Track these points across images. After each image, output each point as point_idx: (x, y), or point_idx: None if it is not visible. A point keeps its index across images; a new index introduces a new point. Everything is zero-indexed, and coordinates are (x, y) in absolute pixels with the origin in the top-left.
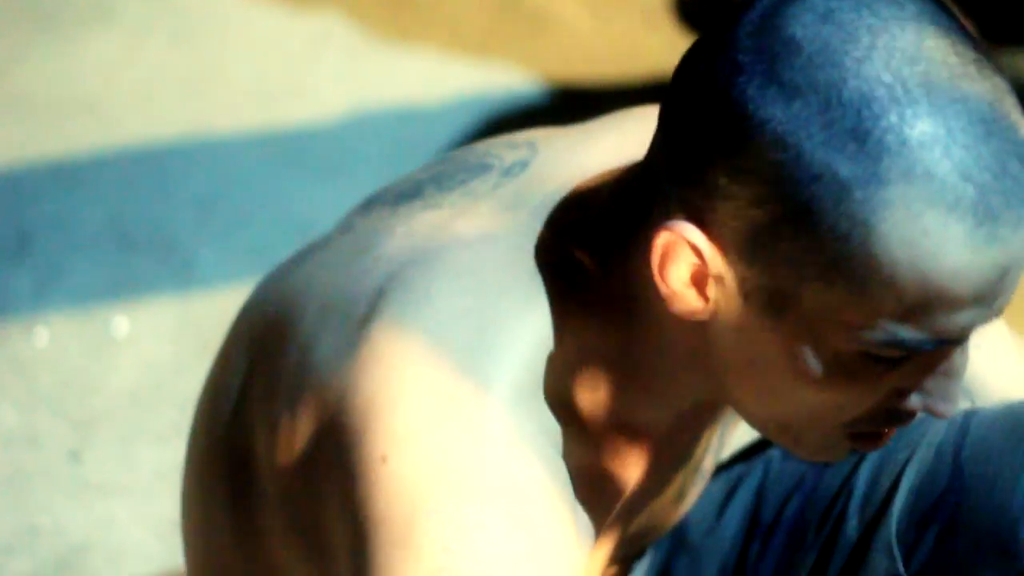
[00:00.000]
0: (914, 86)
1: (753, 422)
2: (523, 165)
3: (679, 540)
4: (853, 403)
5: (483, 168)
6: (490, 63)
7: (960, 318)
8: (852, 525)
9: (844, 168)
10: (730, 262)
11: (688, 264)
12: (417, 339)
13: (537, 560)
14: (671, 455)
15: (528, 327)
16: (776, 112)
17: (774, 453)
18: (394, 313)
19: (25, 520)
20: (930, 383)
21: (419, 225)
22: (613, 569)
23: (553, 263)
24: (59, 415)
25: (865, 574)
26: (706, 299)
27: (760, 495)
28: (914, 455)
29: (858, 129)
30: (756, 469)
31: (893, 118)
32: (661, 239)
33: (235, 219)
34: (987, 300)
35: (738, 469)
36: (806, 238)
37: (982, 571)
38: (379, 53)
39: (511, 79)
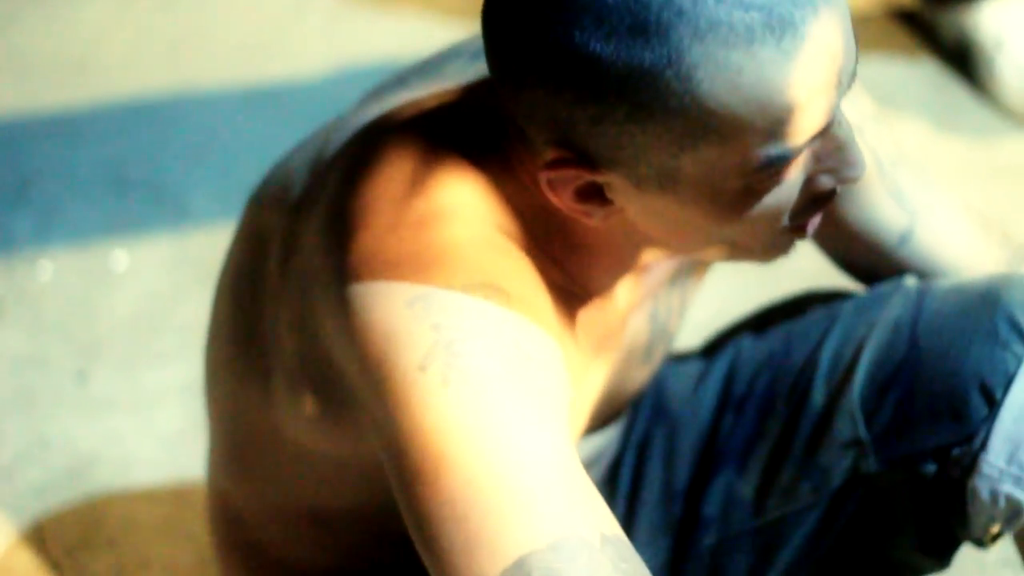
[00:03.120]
0: None
1: (704, 255)
2: None
3: (659, 412)
4: (777, 211)
5: (456, 54)
6: (466, 24)
7: (813, 112)
8: (818, 395)
9: (645, 58)
10: (606, 170)
11: (574, 186)
12: (381, 186)
13: (518, 323)
14: (632, 306)
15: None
16: (576, 38)
17: (745, 336)
18: (355, 168)
19: (36, 434)
20: (830, 162)
21: (395, 102)
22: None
23: (494, 153)
24: (65, 340)
25: (830, 438)
26: (609, 201)
27: (733, 372)
28: (874, 330)
29: (636, 23)
30: (728, 349)
31: None
32: (543, 178)
33: (224, 163)
34: (829, 84)
35: (713, 351)
36: (652, 126)
37: (937, 432)
38: (359, 14)
39: None
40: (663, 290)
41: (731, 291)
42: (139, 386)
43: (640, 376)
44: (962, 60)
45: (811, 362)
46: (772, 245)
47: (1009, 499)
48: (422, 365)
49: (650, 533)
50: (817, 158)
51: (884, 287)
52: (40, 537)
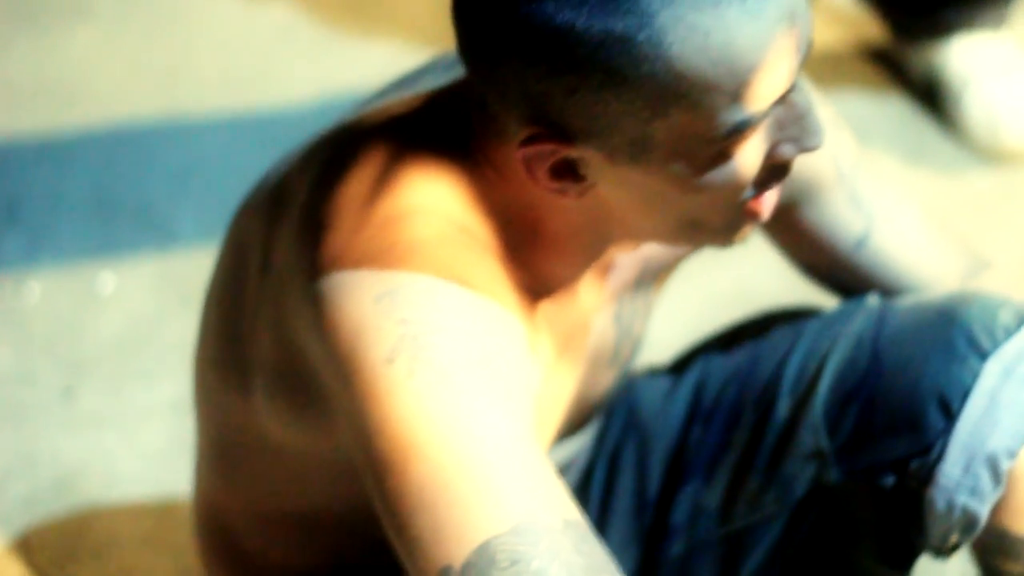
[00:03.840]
0: None
1: (667, 240)
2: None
3: (631, 424)
4: (741, 181)
5: (432, 67)
6: None
7: (777, 74)
8: (783, 407)
9: (618, 25)
10: (581, 142)
11: (549, 163)
12: (349, 188)
13: (482, 317)
14: (597, 306)
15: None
16: (548, 11)
17: (714, 351)
18: (330, 174)
19: (23, 449)
20: (791, 131)
21: (371, 112)
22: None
23: (460, 147)
24: (52, 358)
25: (794, 449)
26: (582, 177)
27: (701, 385)
28: (837, 344)
29: None
30: (698, 364)
31: None
32: (519, 157)
33: (209, 189)
34: (790, 47)
35: (683, 366)
36: (626, 92)
37: (896, 444)
38: (341, 45)
39: None
40: (627, 293)
41: (701, 309)
42: (124, 403)
43: (607, 379)
44: (930, 97)
45: (776, 376)
46: (731, 225)
47: (965, 509)
48: (389, 358)
49: (621, 542)
50: (779, 126)
51: (848, 305)
52: (27, 548)
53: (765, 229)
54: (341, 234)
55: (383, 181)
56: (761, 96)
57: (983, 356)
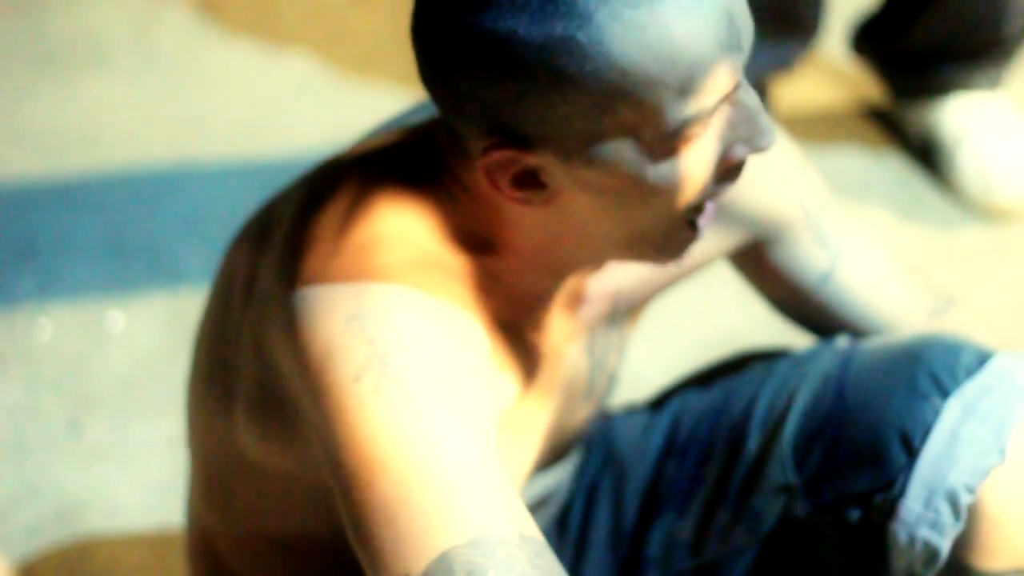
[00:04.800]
0: None
1: (621, 256)
2: None
3: (608, 459)
4: (694, 181)
5: (421, 108)
6: None
7: (721, 69)
8: (753, 442)
9: (557, 27)
10: (537, 148)
11: (511, 172)
12: (325, 217)
13: (449, 338)
14: (568, 336)
15: (413, 213)
16: (490, 19)
17: (689, 389)
18: (306, 209)
19: (29, 479)
20: (742, 131)
21: (351, 148)
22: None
23: (425, 170)
24: (60, 393)
25: (763, 483)
26: (544, 184)
27: (677, 421)
28: (805, 381)
29: None
30: (674, 402)
31: None
32: (480, 167)
33: (218, 234)
34: (732, 43)
35: (660, 403)
36: (572, 93)
37: (860, 478)
38: (353, 97)
39: None
40: (600, 326)
41: (687, 350)
42: (129, 438)
43: (583, 413)
44: (926, 155)
45: (747, 412)
46: (675, 239)
47: (926, 543)
48: (357, 376)
49: (597, 573)
50: (730, 127)
51: (818, 345)
52: (30, 574)
53: (736, 267)
54: (316, 260)
55: (356, 210)
56: (706, 91)
57: (945, 394)
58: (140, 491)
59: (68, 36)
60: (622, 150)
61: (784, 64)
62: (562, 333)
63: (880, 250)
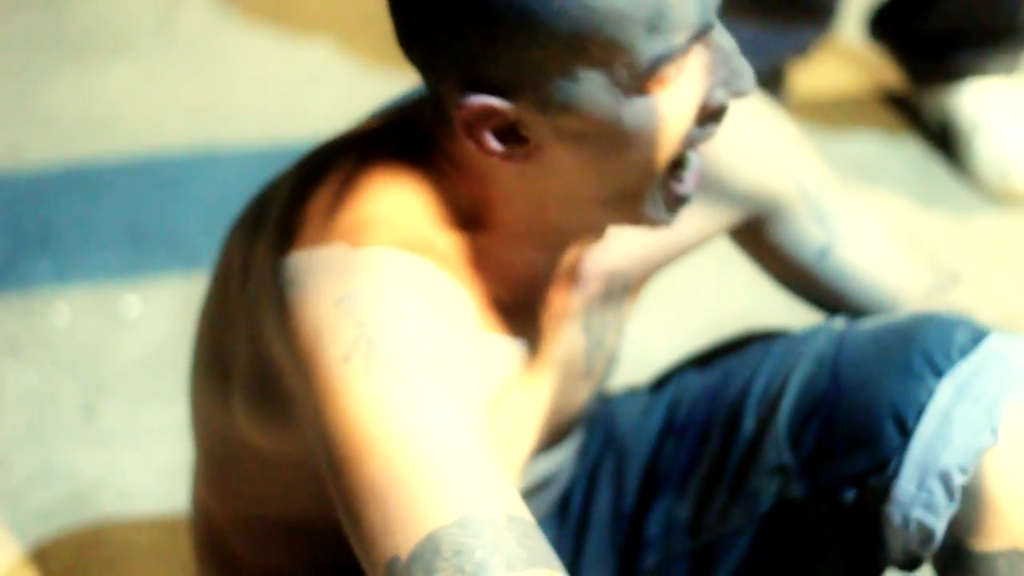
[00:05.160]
0: None
1: (609, 218)
2: None
3: (609, 441)
4: (673, 127)
5: (410, 92)
6: None
7: (688, 3)
8: (749, 422)
9: None
10: (513, 98)
11: (490, 125)
12: (315, 201)
13: (436, 319)
14: (563, 314)
15: (400, 192)
16: None
17: (689, 371)
18: (296, 194)
19: (43, 463)
20: (720, 74)
21: (344, 131)
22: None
23: (413, 148)
24: (75, 377)
25: (759, 464)
26: (524, 139)
27: (676, 402)
28: (800, 362)
29: None
30: (674, 383)
31: None
32: (459, 122)
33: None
34: None
35: (661, 385)
36: (542, 33)
37: (855, 459)
38: (374, 83)
39: None
40: (596, 305)
41: (693, 330)
42: (143, 422)
43: (583, 392)
44: (943, 140)
45: (744, 392)
46: (664, 197)
47: (920, 524)
48: (346, 357)
49: (599, 554)
50: (708, 70)
51: (814, 327)
52: (42, 558)
53: (738, 245)
54: (306, 243)
55: (345, 192)
56: (676, 27)
57: (938, 374)
58: (153, 475)
59: (90, 23)
60: (596, 92)
61: (801, 49)
62: (557, 312)
63: (881, 226)
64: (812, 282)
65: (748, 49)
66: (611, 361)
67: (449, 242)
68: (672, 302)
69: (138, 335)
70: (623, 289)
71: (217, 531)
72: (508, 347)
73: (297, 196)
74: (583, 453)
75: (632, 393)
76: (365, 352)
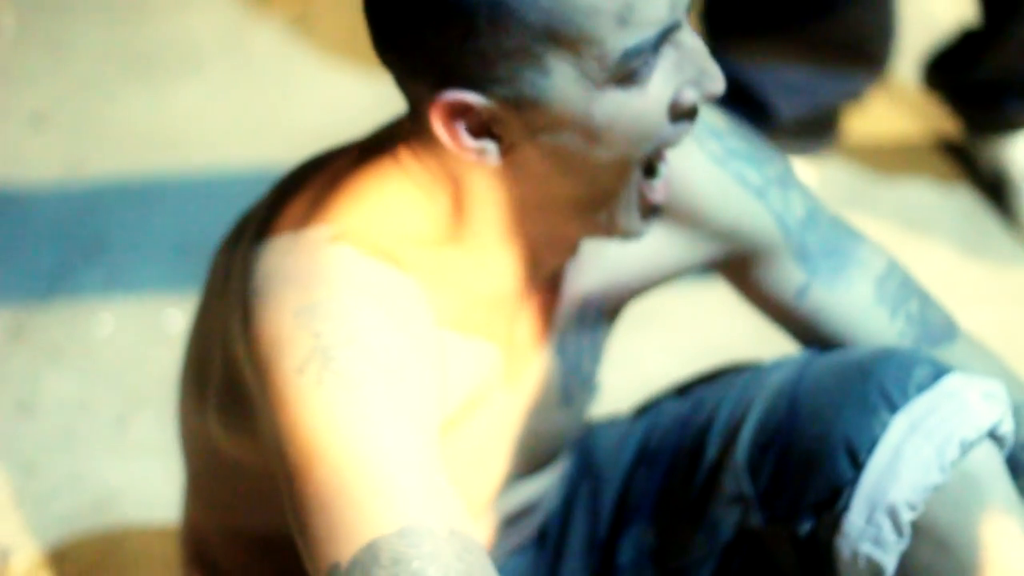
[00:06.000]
0: None
1: (583, 226)
2: None
3: (586, 469)
4: (644, 124)
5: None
6: None
7: (658, 0)
8: (711, 451)
9: None
10: (487, 94)
11: (464, 121)
12: (288, 214)
13: (392, 333)
14: (532, 337)
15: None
16: None
17: (666, 400)
18: (272, 210)
19: (72, 469)
20: (689, 73)
21: (325, 151)
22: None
23: (389, 161)
24: (112, 388)
25: (719, 493)
26: (498, 136)
27: (650, 431)
28: (760, 393)
29: None
30: (651, 412)
31: None
32: (435, 120)
33: None
34: None
35: (640, 413)
36: (514, 25)
37: (810, 488)
38: None
39: None
40: (571, 329)
41: (696, 355)
42: (172, 435)
43: (561, 419)
44: (995, 191)
45: (708, 422)
46: (632, 204)
47: (869, 559)
48: (300, 368)
49: None
50: (677, 68)
51: (781, 357)
52: (61, 559)
53: (724, 279)
54: (275, 256)
55: (317, 206)
56: (645, 18)
57: (893, 409)
58: (177, 487)
59: (163, 42)
60: (567, 86)
61: (853, 94)
62: (528, 331)
63: (878, 268)
64: (790, 320)
65: (799, 93)
66: (590, 389)
67: (419, 256)
68: (674, 325)
69: (177, 349)
70: (597, 314)
71: (203, 542)
72: (474, 363)
73: (273, 208)
74: (563, 480)
75: (612, 421)
76: (320, 363)
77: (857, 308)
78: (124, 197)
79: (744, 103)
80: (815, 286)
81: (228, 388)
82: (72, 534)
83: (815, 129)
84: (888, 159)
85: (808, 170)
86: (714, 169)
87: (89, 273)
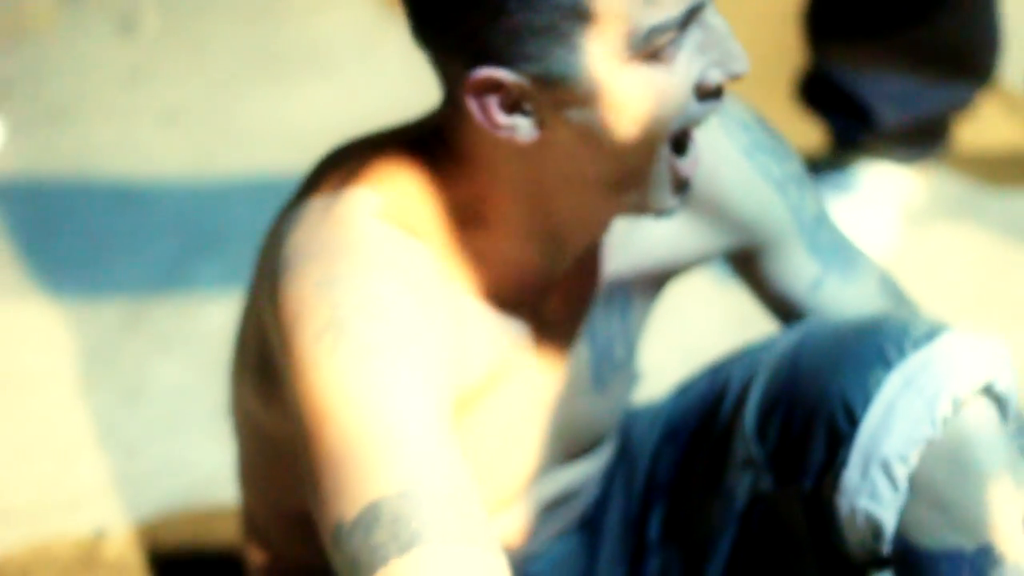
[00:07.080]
0: None
1: (611, 206)
2: None
3: (623, 448)
4: (669, 104)
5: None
6: None
7: None
8: (723, 419)
9: None
10: (518, 71)
11: (496, 97)
12: (318, 193)
13: (408, 306)
14: (555, 319)
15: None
16: None
17: (697, 377)
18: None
19: (170, 456)
20: (714, 54)
21: (364, 134)
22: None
23: (423, 144)
24: (214, 379)
25: (731, 459)
26: (529, 113)
27: (674, 410)
28: (768, 357)
29: None
30: (677, 395)
31: None
32: (468, 98)
33: None
34: None
35: (670, 397)
36: (541, 2)
37: (814, 446)
38: None
39: None
40: (599, 314)
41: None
42: None
43: (596, 407)
44: None
45: (722, 392)
46: (661, 182)
47: (867, 514)
48: (317, 336)
49: (611, 561)
50: (701, 50)
51: (786, 327)
52: (153, 539)
53: (735, 271)
54: (302, 231)
55: (347, 182)
56: (671, 2)
57: (889, 367)
58: None
59: (297, 43)
60: (594, 62)
61: (960, 104)
62: (557, 312)
63: (876, 272)
64: (801, 313)
65: (903, 101)
66: (628, 377)
67: (442, 237)
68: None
69: None
70: (624, 298)
71: (257, 521)
72: (499, 333)
73: (309, 184)
74: (606, 468)
75: (648, 406)
76: (336, 332)
77: (867, 303)
78: (245, 194)
79: (847, 110)
80: (829, 280)
81: (260, 359)
82: (166, 516)
83: (922, 137)
84: (997, 168)
85: (914, 178)
86: (741, 160)
87: (205, 267)
